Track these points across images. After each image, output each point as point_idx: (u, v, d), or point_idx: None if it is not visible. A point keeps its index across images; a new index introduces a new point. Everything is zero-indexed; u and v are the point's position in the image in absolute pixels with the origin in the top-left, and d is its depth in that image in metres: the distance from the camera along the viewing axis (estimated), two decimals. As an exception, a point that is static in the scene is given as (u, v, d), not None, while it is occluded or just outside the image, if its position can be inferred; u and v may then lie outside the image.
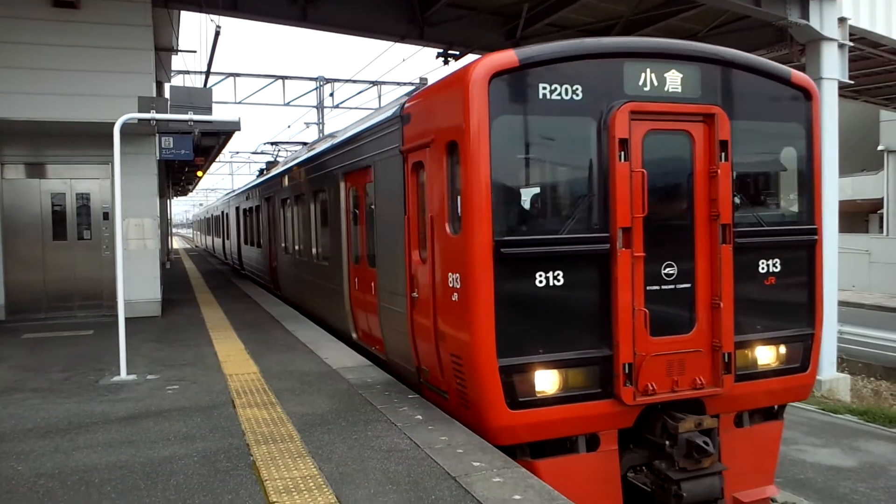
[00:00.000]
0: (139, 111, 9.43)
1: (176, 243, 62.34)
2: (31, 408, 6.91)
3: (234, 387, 7.54)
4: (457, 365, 6.01)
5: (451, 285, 5.96)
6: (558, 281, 5.75)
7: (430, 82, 8.62)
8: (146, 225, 13.54)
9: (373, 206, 8.47)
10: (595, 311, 5.90)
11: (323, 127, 29.48)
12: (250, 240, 22.01)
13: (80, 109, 11.74)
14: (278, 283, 16.88)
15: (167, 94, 14.30)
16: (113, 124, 8.38)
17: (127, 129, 8.89)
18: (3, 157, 13.44)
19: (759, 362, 6.55)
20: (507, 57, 5.71)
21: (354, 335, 9.86)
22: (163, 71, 17.31)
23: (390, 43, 19.31)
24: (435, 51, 18.18)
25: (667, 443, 6.07)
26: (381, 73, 53.46)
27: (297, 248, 14.07)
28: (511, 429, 5.72)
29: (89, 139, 13.09)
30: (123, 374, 8.15)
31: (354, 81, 27.57)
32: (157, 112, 9.39)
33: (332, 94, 28.72)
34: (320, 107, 29.47)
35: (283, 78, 26.88)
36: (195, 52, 20.75)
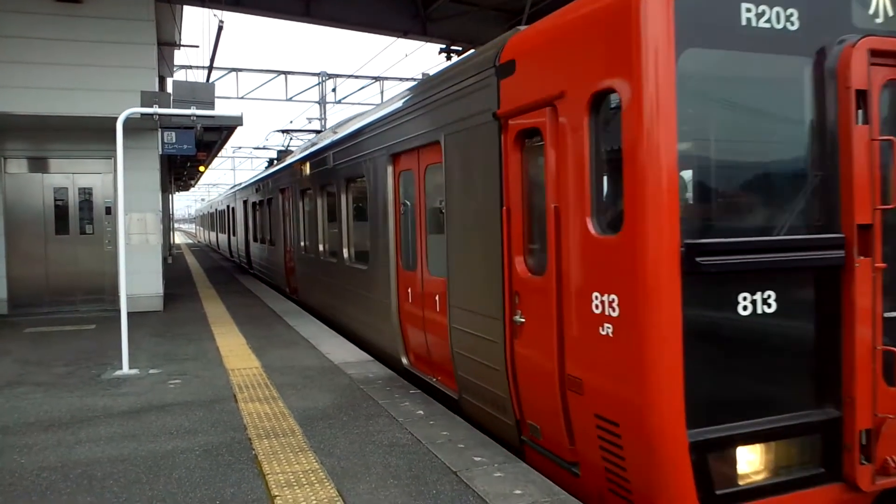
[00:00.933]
0: (142, 106, 9.44)
1: (178, 238, 62.44)
2: (33, 402, 6.93)
3: (236, 381, 7.56)
4: (608, 433, 4.16)
5: (597, 311, 4.15)
6: (768, 307, 3.95)
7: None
8: (148, 219, 13.57)
9: (441, 195, 6.55)
10: (813, 352, 4.10)
11: (325, 122, 29.48)
12: (261, 237, 20.14)
13: (82, 104, 11.76)
14: (295, 287, 15.10)
15: (170, 89, 14.36)
16: (116, 119, 8.40)
17: (129, 124, 8.90)
18: (5, 151, 13.47)
19: None
20: None
21: (405, 360, 7.90)
22: (165, 66, 17.31)
23: (393, 39, 19.31)
24: (437, 46, 18.19)
25: None
26: (384, 69, 53.51)
27: (321, 247, 12.01)
28: None
29: (92, 134, 13.12)
30: (126, 369, 8.17)
31: (357, 77, 27.55)
32: (159, 107, 9.40)
33: (334, 90, 28.73)
34: (322, 102, 29.45)
35: (286, 73, 26.89)
36: (198, 46, 20.73)
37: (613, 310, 4.03)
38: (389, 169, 7.97)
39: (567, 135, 4.43)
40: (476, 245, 5.81)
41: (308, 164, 12.83)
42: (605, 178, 4.25)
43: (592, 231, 4.22)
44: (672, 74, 3.76)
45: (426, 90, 6.84)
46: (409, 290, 7.60)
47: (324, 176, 11.49)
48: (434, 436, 5.52)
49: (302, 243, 13.77)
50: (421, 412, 6.20)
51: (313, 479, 4.70)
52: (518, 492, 4.38)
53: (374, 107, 9.89)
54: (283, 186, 15.77)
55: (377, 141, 8.39)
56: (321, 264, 12.07)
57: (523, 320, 5.02)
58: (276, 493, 4.45)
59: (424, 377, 7.33)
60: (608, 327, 4.08)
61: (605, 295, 4.09)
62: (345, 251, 10.32)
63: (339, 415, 6.21)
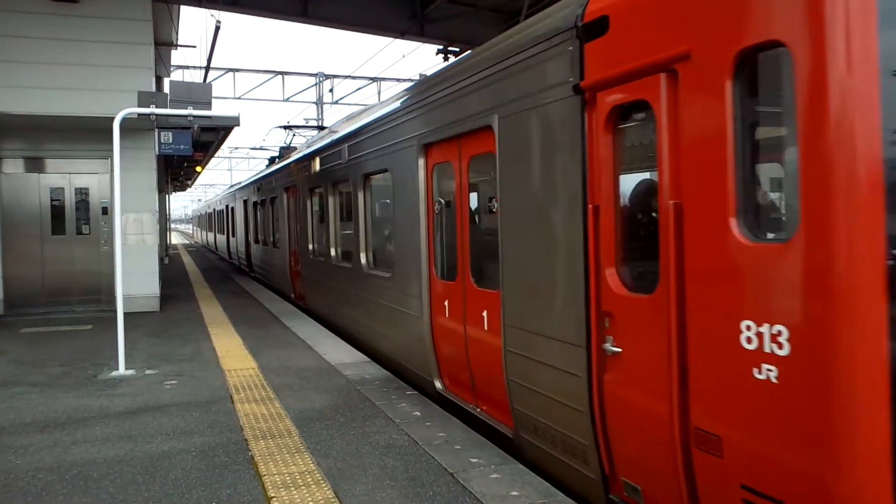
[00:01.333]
0: (139, 106, 9.43)
1: (174, 239, 62.38)
2: (29, 402, 6.91)
3: (233, 382, 7.55)
4: None
5: (749, 346, 3.10)
6: None
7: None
8: (145, 220, 13.55)
9: (491, 191, 5.65)
10: None
11: (322, 123, 29.48)
12: (262, 238, 19.05)
13: (79, 104, 11.74)
14: (302, 293, 13.96)
15: (167, 89, 14.34)
16: (112, 119, 8.38)
17: (126, 124, 8.88)
18: (1, 151, 13.45)
19: None
20: None
21: (438, 384, 6.82)
22: (162, 66, 17.29)
23: (390, 39, 19.32)
24: (435, 47, 18.22)
25: None
26: (381, 70, 53.49)
27: (334, 251, 10.92)
28: None
29: (88, 134, 13.11)
30: (122, 369, 8.16)
31: (354, 77, 27.58)
32: (156, 107, 9.38)
33: (331, 90, 28.75)
34: (320, 103, 29.47)
35: (283, 73, 26.92)
36: (195, 47, 20.72)
37: (780, 346, 2.96)
38: (420, 161, 6.87)
39: (695, 108, 3.36)
40: (544, 252, 4.70)
41: (318, 160, 11.75)
42: (761, 165, 3.20)
43: (740, 236, 3.13)
44: (872, 18, 2.71)
45: (472, 66, 5.75)
46: (447, 304, 6.47)
47: (337, 172, 10.40)
48: (431, 437, 5.51)
49: (311, 246, 12.72)
50: (418, 413, 6.19)
51: (310, 480, 4.69)
52: (515, 493, 4.38)
53: (399, 92, 8.48)
54: (288, 184, 14.80)
55: (405, 130, 7.29)
56: (333, 270, 10.89)
57: (618, 350, 3.95)
58: (273, 495, 4.45)
59: (465, 406, 6.26)
60: (770, 370, 3.01)
61: (765, 325, 3.02)
62: (362, 256, 9.21)
63: (335, 416, 6.20)
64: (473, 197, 6.11)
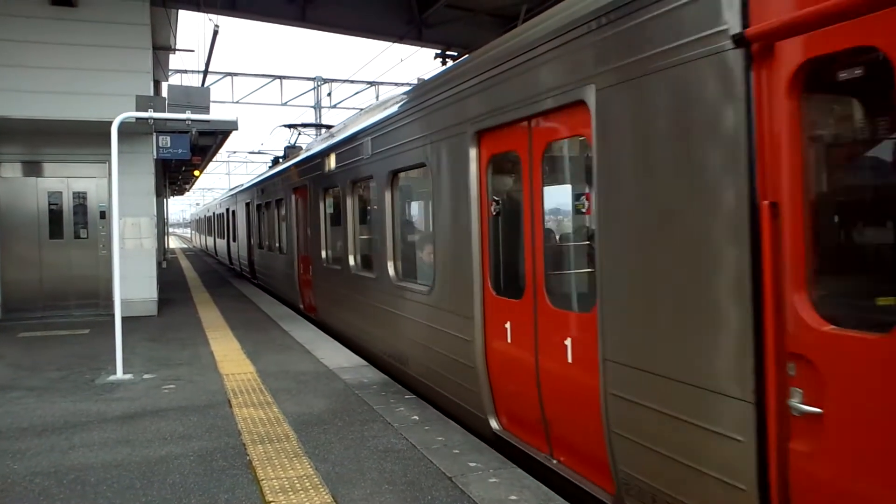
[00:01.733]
0: (137, 110, 9.44)
1: (173, 243, 62.34)
2: (26, 407, 6.90)
3: (231, 386, 7.54)
4: None
5: None
6: None
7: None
8: (143, 224, 13.54)
9: (580, 186, 4.79)
10: None
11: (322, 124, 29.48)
12: (267, 243, 18.01)
13: (77, 108, 11.74)
14: (312, 304, 12.88)
15: (165, 94, 14.34)
16: (110, 123, 8.39)
17: (124, 128, 8.89)
18: (-1, 155, 13.45)
19: None
20: None
21: (494, 422, 5.69)
22: (160, 70, 17.31)
23: (388, 43, 19.35)
24: (433, 51, 18.24)
25: None
26: (379, 74, 53.55)
27: (353, 259, 9.78)
28: None
29: (86, 138, 13.10)
30: (120, 374, 8.14)
31: (352, 82, 27.61)
32: (154, 111, 9.40)
33: (329, 94, 28.77)
34: (318, 107, 29.46)
35: (281, 78, 26.95)
36: (193, 51, 20.78)
37: None
38: (472, 152, 5.70)
39: None
40: (677, 265, 3.51)
41: (334, 156, 10.51)
42: None
43: None
44: None
45: (551, 28, 4.52)
46: (508, 326, 5.36)
47: (358, 169, 9.22)
48: (429, 441, 5.51)
49: (324, 253, 11.50)
50: (416, 417, 6.19)
51: (308, 484, 4.69)
52: (513, 497, 4.37)
53: (438, 72, 7.09)
54: (297, 185, 13.61)
55: (449, 115, 6.14)
56: (352, 280, 9.67)
57: (816, 410, 2.83)
58: (271, 499, 4.44)
59: (533, 453, 5.13)
60: None
61: None
62: (389, 265, 8.01)
63: (333, 420, 6.20)
64: (552, 193, 4.97)
